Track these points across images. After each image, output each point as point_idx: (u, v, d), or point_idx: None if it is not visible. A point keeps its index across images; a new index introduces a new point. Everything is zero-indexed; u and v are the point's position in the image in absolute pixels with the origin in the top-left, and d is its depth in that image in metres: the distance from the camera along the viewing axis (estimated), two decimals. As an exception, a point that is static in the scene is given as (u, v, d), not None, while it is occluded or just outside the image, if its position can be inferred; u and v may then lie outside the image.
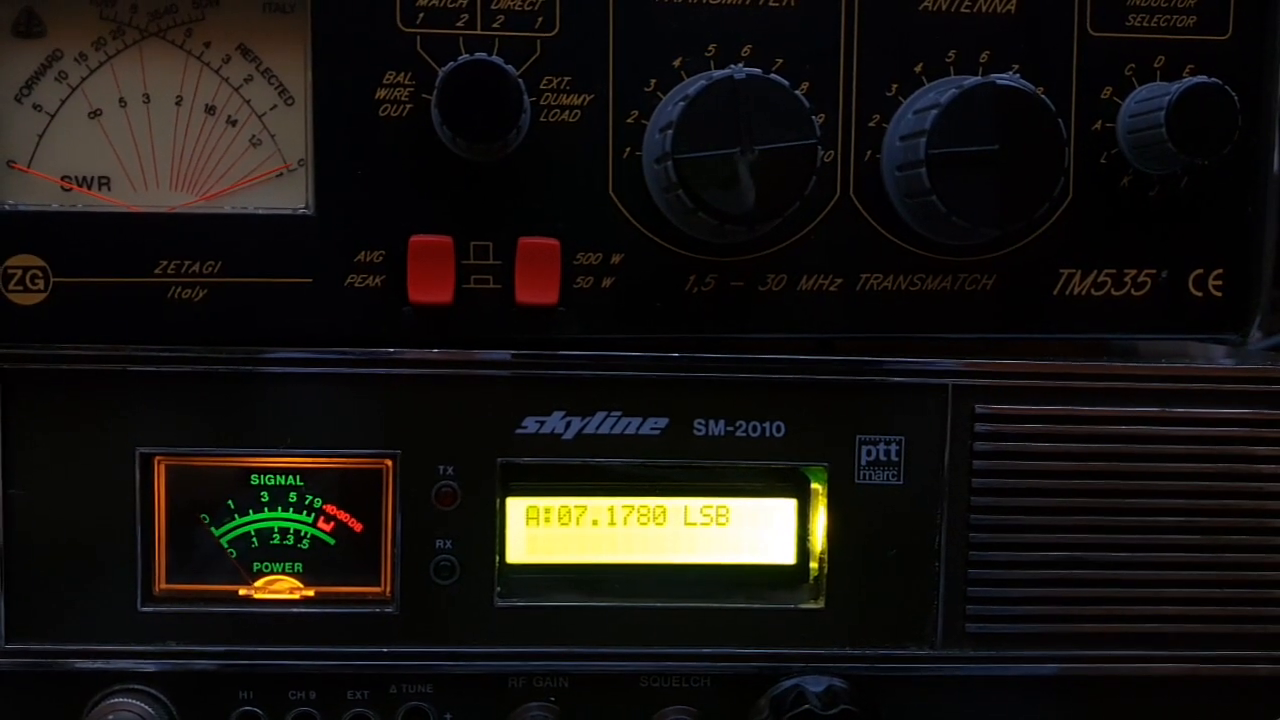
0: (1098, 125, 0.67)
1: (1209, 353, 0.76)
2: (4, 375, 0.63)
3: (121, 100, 0.64)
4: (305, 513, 0.66)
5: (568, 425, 0.66)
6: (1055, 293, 0.68)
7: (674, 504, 0.67)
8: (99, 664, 0.65)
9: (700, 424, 0.66)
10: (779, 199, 0.61)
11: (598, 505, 0.67)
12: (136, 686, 0.65)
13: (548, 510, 0.67)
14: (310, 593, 0.66)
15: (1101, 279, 0.68)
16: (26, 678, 0.65)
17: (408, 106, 0.64)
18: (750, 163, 0.60)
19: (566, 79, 0.64)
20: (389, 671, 0.66)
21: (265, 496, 0.66)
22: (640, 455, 0.66)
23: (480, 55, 0.61)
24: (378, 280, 0.64)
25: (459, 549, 0.65)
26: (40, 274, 0.63)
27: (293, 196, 0.64)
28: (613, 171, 0.65)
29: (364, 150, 0.64)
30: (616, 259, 0.66)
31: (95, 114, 0.64)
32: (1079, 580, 0.67)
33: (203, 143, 0.64)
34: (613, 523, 0.67)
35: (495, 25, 0.64)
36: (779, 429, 0.66)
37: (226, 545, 0.66)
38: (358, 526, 0.66)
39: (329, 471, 0.66)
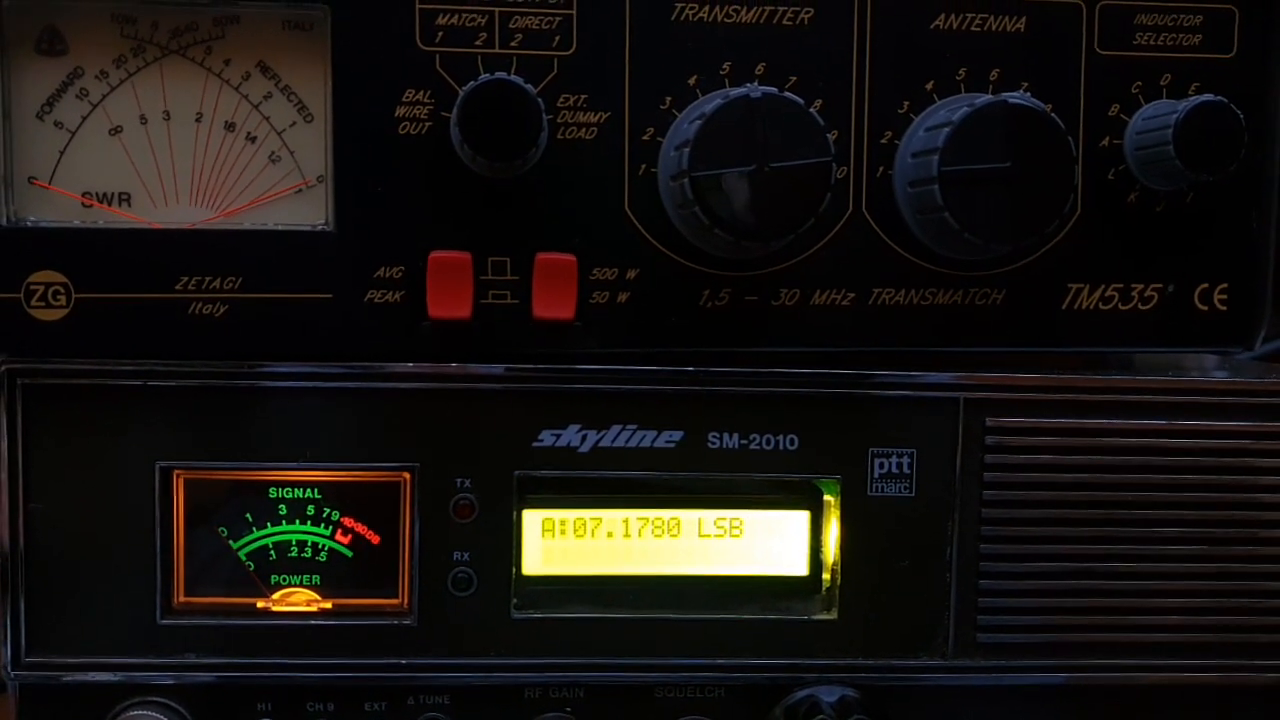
0: (1105, 142, 0.68)
1: (1215, 366, 0.77)
2: (26, 390, 0.64)
3: (142, 117, 0.64)
4: (323, 525, 0.66)
5: (583, 438, 0.66)
6: (1064, 307, 0.69)
7: (688, 516, 0.68)
8: (118, 676, 0.65)
9: (714, 437, 0.67)
10: (793, 215, 0.61)
11: (613, 517, 0.68)
12: (155, 699, 0.66)
13: (563, 522, 0.68)
14: (328, 605, 0.66)
15: (1109, 293, 0.69)
16: (46, 690, 0.65)
17: (427, 124, 0.64)
18: (765, 179, 0.61)
19: (583, 97, 0.65)
20: (407, 683, 0.67)
21: (283, 509, 0.66)
22: (655, 468, 0.66)
23: (500, 74, 0.62)
24: (397, 296, 0.65)
25: (476, 561, 0.66)
26: (62, 290, 0.64)
27: (312, 212, 0.65)
28: (629, 188, 0.66)
29: (383, 167, 0.64)
30: (632, 274, 0.66)
31: (116, 131, 0.64)
32: (1088, 590, 0.68)
33: (223, 159, 0.65)
34: (628, 535, 0.68)
35: (513, 44, 0.64)
36: (792, 442, 0.67)
37: (245, 558, 0.66)
38: (375, 539, 0.66)
39: (347, 484, 0.66)
